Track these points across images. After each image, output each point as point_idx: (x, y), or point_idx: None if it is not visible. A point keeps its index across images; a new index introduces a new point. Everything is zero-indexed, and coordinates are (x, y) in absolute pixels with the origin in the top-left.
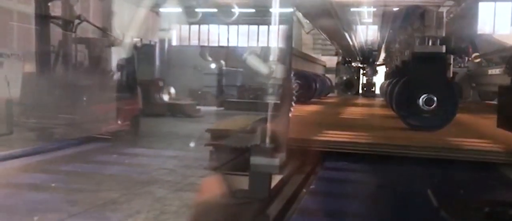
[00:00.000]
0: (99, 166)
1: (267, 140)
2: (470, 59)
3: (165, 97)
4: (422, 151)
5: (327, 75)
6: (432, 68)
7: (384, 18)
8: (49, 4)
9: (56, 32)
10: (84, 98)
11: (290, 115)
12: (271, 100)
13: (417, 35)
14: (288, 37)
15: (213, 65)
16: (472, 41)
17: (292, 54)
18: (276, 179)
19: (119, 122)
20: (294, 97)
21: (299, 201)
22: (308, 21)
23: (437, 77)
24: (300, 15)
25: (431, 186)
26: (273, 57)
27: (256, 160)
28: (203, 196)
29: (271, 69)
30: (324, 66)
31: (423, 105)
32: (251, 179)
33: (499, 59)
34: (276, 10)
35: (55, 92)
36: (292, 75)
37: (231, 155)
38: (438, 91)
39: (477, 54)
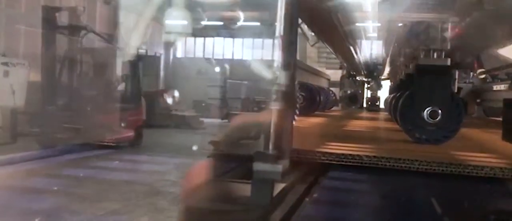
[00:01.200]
0: (101, 177)
1: (270, 147)
2: (475, 74)
3: (169, 109)
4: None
5: (331, 88)
6: (437, 81)
7: (389, 32)
8: (56, 14)
9: (62, 42)
10: (88, 108)
11: (293, 123)
12: (274, 106)
13: (422, 47)
14: (293, 44)
15: (217, 78)
16: (478, 56)
17: (296, 64)
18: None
19: (122, 132)
20: (297, 105)
21: (302, 209)
22: (313, 34)
23: (442, 89)
24: (305, 27)
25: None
26: (277, 63)
27: (259, 166)
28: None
29: (275, 75)
30: (329, 79)
31: (427, 117)
32: (253, 186)
33: (504, 75)
34: (280, 14)
35: (60, 102)
36: (296, 83)
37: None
38: (443, 103)
39: (482, 69)
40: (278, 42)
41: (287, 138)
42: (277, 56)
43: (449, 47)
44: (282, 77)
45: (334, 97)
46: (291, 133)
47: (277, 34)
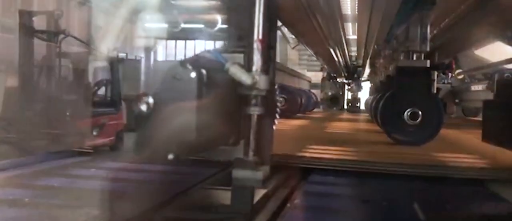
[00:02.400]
0: (80, 182)
1: (250, 153)
2: (453, 75)
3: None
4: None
5: (312, 90)
6: (417, 82)
7: (369, 34)
8: (34, 18)
9: (40, 46)
10: (68, 113)
11: (274, 127)
12: (254, 112)
13: (401, 49)
14: (272, 48)
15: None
16: (456, 57)
17: (276, 67)
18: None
19: (102, 137)
20: (278, 110)
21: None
22: (293, 37)
23: (422, 91)
24: (285, 30)
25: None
26: (256, 68)
27: (239, 173)
28: None
29: (254, 80)
30: (310, 81)
31: (408, 119)
32: (233, 193)
33: (481, 76)
34: (258, 17)
35: (38, 107)
36: (276, 87)
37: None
38: (423, 105)
39: (460, 70)
40: (256, 46)
41: (268, 144)
42: (256, 61)
43: (428, 49)
44: (261, 82)
45: (315, 99)
46: (272, 139)
47: (255, 38)
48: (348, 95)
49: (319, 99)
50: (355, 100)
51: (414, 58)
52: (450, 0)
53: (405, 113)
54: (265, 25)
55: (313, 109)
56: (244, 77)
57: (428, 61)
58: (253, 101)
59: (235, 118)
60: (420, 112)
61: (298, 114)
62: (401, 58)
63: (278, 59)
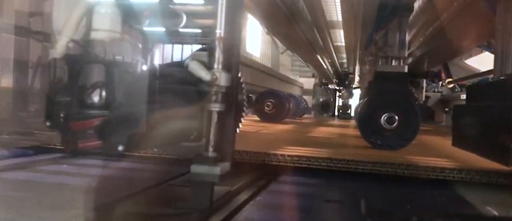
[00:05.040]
0: (70, 183)
1: (210, 149)
2: (444, 84)
3: None
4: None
5: (304, 96)
6: (395, 87)
7: (355, 40)
8: (30, 19)
9: (36, 47)
10: (62, 115)
11: (240, 125)
12: (214, 108)
13: (380, 55)
14: (234, 46)
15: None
16: (445, 65)
17: (239, 62)
18: None
19: (95, 139)
20: (244, 108)
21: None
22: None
23: (399, 96)
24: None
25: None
26: (217, 65)
27: (197, 169)
28: None
29: (214, 76)
30: (302, 87)
31: (384, 123)
32: (192, 188)
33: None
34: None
35: (32, 108)
36: (243, 85)
37: None
38: (400, 110)
39: (450, 79)
40: (217, 43)
41: (229, 140)
42: (217, 57)
43: (406, 55)
44: (221, 79)
45: (306, 105)
46: (234, 135)
47: (217, 35)
48: (339, 102)
49: (310, 105)
50: (346, 106)
51: (393, 63)
52: (435, 6)
53: (382, 117)
54: (228, 22)
55: (303, 114)
56: (204, 74)
57: (406, 67)
58: (214, 98)
59: (197, 115)
60: (396, 117)
61: (287, 119)
62: (379, 63)
63: (269, 65)
